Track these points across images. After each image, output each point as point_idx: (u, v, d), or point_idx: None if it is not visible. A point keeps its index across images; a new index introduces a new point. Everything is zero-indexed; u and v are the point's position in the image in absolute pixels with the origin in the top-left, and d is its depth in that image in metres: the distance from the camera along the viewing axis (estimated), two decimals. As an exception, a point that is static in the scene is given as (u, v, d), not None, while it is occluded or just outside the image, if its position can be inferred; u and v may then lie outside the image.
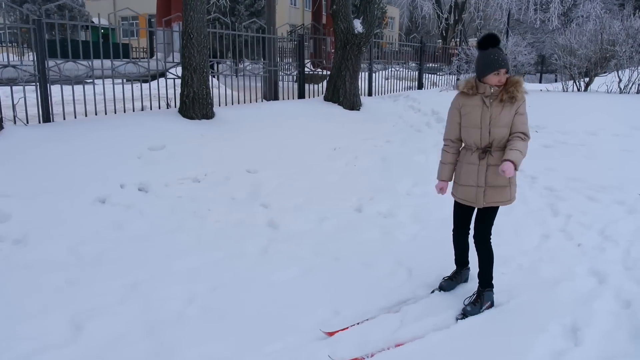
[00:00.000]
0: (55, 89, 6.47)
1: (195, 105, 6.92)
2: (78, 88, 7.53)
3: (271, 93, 9.69)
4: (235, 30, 8.33)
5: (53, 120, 6.30)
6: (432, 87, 13.28)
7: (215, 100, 8.23)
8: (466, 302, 3.11)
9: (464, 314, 3.03)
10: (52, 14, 22.04)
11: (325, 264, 3.69)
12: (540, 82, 18.65)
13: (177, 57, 13.03)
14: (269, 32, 9.22)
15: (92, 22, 7.48)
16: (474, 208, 3.18)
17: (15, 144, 5.15)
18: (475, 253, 3.17)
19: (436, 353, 2.62)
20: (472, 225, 3.23)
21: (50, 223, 4.13)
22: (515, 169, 2.86)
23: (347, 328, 2.82)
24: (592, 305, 2.97)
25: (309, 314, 2.96)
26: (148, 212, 4.59)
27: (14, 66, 6.22)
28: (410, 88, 13.14)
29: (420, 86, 13.05)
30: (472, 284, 3.34)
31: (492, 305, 3.12)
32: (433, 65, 13.73)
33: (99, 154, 5.42)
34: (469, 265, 3.45)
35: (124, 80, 7.41)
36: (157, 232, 4.22)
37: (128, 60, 7.07)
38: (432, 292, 3.30)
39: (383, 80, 11.89)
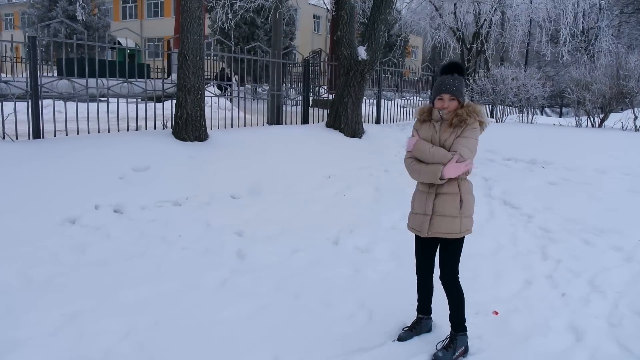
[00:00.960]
0: (55, 106, 6.48)
1: (188, 126, 6.81)
2: (74, 106, 7.52)
3: (274, 117, 9.59)
4: (238, 54, 8.27)
5: (43, 137, 6.26)
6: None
7: (215, 122, 8.16)
8: (438, 347, 2.86)
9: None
10: (78, 34, 22.63)
11: (282, 302, 3.45)
12: (560, 116, 18.22)
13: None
14: (273, 56, 9.15)
15: (92, 41, 7.48)
16: (437, 246, 2.93)
17: (-6, 160, 5.08)
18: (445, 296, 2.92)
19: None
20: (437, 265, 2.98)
21: (9, 243, 3.99)
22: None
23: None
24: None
25: (246, 359, 2.71)
26: (115, 236, 4.43)
27: (5, 82, 6.24)
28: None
29: (431, 116, 12.82)
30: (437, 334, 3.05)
31: (466, 351, 2.86)
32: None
33: (80, 173, 5.32)
34: (432, 314, 3.16)
35: (138, 99, 7.40)
36: (118, 258, 4.04)
37: (124, 80, 7.02)
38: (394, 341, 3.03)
39: (398, 108, 11.72)
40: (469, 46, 26.83)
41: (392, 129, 10.44)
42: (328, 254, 4.36)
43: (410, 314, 3.19)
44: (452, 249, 2.87)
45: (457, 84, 2.79)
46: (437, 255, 2.99)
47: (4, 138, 5.99)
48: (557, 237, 4.86)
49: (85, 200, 4.88)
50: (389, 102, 11.78)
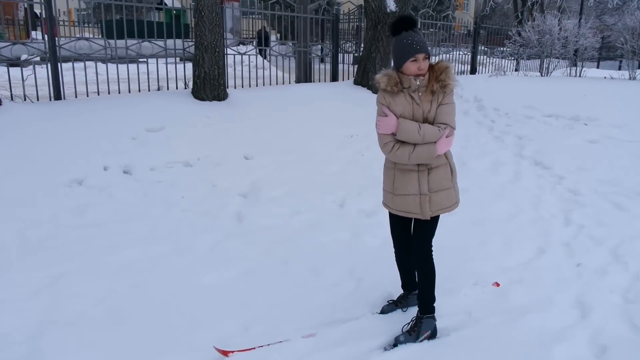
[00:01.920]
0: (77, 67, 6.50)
1: (206, 86, 6.67)
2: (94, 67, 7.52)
3: (303, 75, 9.31)
4: (262, 10, 7.98)
5: (64, 98, 6.29)
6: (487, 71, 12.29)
7: (239, 82, 8.00)
8: (404, 329, 2.62)
9: (395, 344, 2.53)
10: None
11: (269, 267, 3.30)
12: (619, 69, 16.84)
13: (228, 36, 12.94)
14: (298, 11, 8.79)
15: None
16: (411, 220, 2.66)
17: (8, 121, 5.13)
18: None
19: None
20: None
21: (14, 203, 4.02)
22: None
23: (249, 349, 2.43)
24: (552, 350, 2.37)
25: (215, 327, 2.60)
26: (118, 197, 4.39)
27: (23, 43, 6.27)
28: (462, 72, 12.26)
29: (473, 71, 12.12)
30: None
31: (433, 335, 2.58)
32: (485, 48, 12.66)
33: (94, 134, 5.30)
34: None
35: (177, 59, 7.35)
36: (115, 220, 4.00)
37: (143, 40, 6.91)
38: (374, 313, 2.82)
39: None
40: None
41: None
42: (330, 217, 4.16)
43: (400, 284, 2.97)
44: (430, 224, 2.59)
45: (423, 40, 2.40)
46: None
47: (24, 100, 6.06)
48: (585, 200, 4.45)
49: (96, 160, 4.86)
50: (437, 57, 11.21)
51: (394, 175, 2.61)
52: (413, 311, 2.71)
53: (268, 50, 9.03)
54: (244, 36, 15.71)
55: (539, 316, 2.68)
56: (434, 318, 2.62)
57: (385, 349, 2.50)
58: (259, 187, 4.79)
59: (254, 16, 14.04)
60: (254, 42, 10.24)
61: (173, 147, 5.42)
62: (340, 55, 9.57)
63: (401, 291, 2.91)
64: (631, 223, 3.93)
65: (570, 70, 10.28)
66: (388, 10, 7.98)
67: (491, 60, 12.06)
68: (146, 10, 24.33)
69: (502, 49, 11.96)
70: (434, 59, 2.52)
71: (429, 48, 2.43)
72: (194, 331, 2.57)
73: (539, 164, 5.67)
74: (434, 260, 2.64)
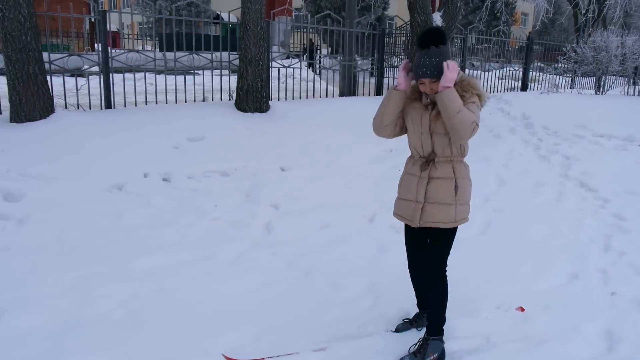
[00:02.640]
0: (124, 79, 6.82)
1: (249, 97, 6.83)
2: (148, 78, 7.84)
3: (347, 88, 9.35)
4: (308, 24, 8.10)
5: (114, 107, 6.60)
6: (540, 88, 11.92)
7: (282, 94, 8.13)
8: (410, 350, 2.55)
9: None
10: (181, 10, 23.71)
11: (290, 279, 3.31)
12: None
13: (278, 49, 13.19)
14: (345, 25, 8.85)
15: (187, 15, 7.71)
16: (428, 235, 2.60)
17: (60, 128, 5.42)
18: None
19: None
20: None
21: (55, 206, 4.23)
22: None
23: (259, 360, 2.44)
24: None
25: (228, 335, 2.63)
26: (154, 203, 4.55)
27: (78, 55, 6.63)
28: (513, 89, 11.95)
29: (524, 87, 11.79)
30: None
31: (440, 358, 2.49)
32: (540, 64, 12.30)
33: (138, 141, 5.53)
34: None
35: (228, 71, 7.64)
36: (149, 225, 4.14)
37: (191, 52, 7.16)
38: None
39: (495, 79, 10.95)
40: (583, 11, 24.29)
41: (474, 102, 9.73)
42: (358, 232, 4.13)
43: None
44: (443, 239, 2.52)
45: (436, 60, 2.32)
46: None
47: (77, 108, 6.40)
48: (630, 226, 4.21)
49: (137, 167, 5.06)
50: (487, 73, 11.00)
51: (402, 179, 2.65)
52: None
53: (315, 63, 9.15)
54: (294, 49, 15.98)
55: (561, 345, 2.54)
56: (442, 340, 2.54)
57: None
58: (291, 199, 4.83)
59: (305, 30, 14.27)
60: (303, 56, 10.41)
61: (212, 157, 5.56)
62: (392, 70, 9.57)
63: (417, 310, 2.85)
64: (678, 252, 3.69)
65: (627, 89, 9.81)
66: (434, 25, 7.90)
67: (543, 77, 11.70)
68: (204, 24, 25.25)
69: (555, 65, 11.57)
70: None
71: (438, 70, 2.31)
72: (209, 338, 2.61)
73: (584, 185, 5.43)
74: (454, 280, 2.57)
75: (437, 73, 2.32)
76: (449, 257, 2.57)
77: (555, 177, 5.77)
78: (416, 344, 2.55)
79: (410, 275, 2.77)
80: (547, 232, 4.13)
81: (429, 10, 7.95)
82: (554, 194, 5.14)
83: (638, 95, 9.55)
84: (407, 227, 2.69)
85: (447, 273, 2.56)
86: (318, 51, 14.02)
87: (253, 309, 2.93)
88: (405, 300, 2.94)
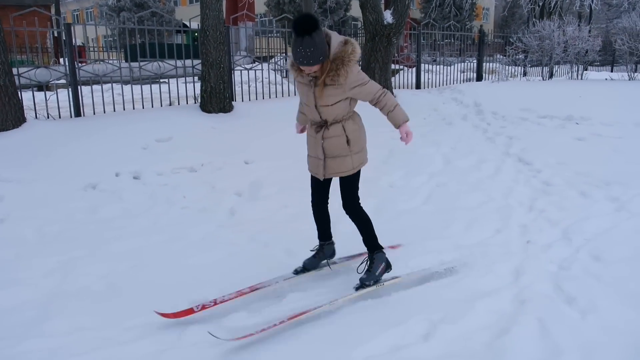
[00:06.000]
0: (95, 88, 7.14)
1: (213, 99, 7.23)
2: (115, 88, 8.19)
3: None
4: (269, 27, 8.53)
5: (83, 115, 6.93)
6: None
7: (246, 96, 8.54)
8: (359, 270, 3.04)
9: (362, 285, 2.97)
10: (145, 21, 23.90)
11: (251, 250, 3.74)
12: (612, 72, 16.81)
13: (243, 54, 13.50)
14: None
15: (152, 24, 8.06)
16: (330, 180, 3.10)
17: (32, 136, 5.75)
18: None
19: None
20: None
21: (34, 206, 4.57)
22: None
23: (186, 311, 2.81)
24: (475, 304, 2.73)
25: (194, 294, 3.05)
26: (127, 198, 4.91)
27: (46, 67, 6.94)
28: (470, 80, 12.59)
29: (479, 78, 12.44)
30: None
31: (388, 266, 3.04)
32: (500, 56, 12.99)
33: (108, 144, 5.88)
34: (333, 239, 3.35)
35: (194, 78, 8.01)
36: (123, 216, 4.51)
37: (154, 59, 7.53)
38: (295, 271, 3.22)
39: (457, 73, 11.59)
40: (540, 3, 25.20)
41: (429, 94, 10.30)
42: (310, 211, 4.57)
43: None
44: (349, 180, 2.99)
45: (310, 50, 2.55)
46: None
47: (48, 117, 6.71)
48: (555, 190, 4.76)
49: (109, 168, 5.41)
50: (450, 67, 11.62)
51: (308, 139, 3.10)
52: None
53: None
54: (260, 54, 16.41)
55: (473, 279, 3.03)
56: (383, 252, 3.06)
57: (356, 289, 2.94)
58: (254, 187, 5.25)
59: (269, 35, 14.67)
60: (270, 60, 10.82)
61: (180, 155, 5.94)
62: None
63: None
64: (590, 207, 4.24)
65: (572, 74, 10.50)
66: (385, 23, 8.42)
67: (495, 67, 12.37)
68: (170, 33, 25.49)
69: (500, 56, 12.24)
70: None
71: (313, 57, 2.60)
72: (178, 297, 3.02)
73: (522, 160, 5.98)
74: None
75: (313, 61, 2.61)
76: (359, 191, 3.09)
77: (497, 155, 6.31)
78: (362, 264, 3.03)
79: (314, 213, 3.24)
80: (482, 200, 4.64)
81: (379, 8, 8.47)
82: (494, 169, 5.67)
83: (580, 78, 10.23)
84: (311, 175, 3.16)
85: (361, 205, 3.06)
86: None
87: (218, 274, 3.34)
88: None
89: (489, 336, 2.43)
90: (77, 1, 42.93)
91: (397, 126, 2.91)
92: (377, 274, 2.99)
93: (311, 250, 3.31)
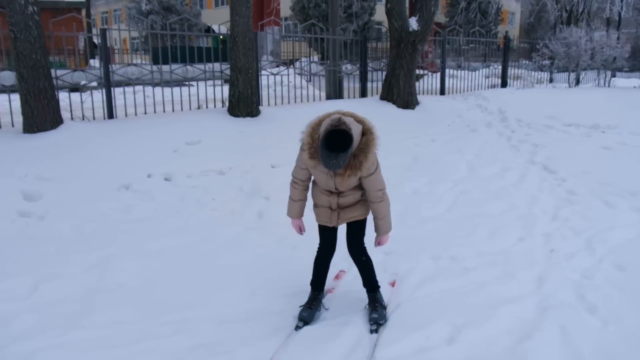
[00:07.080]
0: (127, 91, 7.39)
1: (241, 104, 7.40)
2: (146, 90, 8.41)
3: (334, 92, 9.94)
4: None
5: (116, 117, 7.17)
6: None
7: (272, 100, 8.71)
8: (369, 308, 3.03)
9: (378, 325, 2.91)
10: (173, 25, 24.36)
11: (279, 252, 3.88)
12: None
13: (269, 58, 13.72)
14: (328, 33, 9.45)
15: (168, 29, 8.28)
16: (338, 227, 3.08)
17: (69, 137, 5.99)
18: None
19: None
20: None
21: (72, 204, 4.78)
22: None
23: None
24: (498, 310, 2.81)
25: (225, 293, 3.19)
26: (159, 199, 5.10)
27: (82, 70, 7.21)
28: (495, 86, 12.57)
29: (504, 84, 12.41)
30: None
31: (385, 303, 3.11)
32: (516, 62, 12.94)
33: (140, 147, 6.09)
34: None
35: (221, 81, 8.23)
36: (155, 216, 4.69)
37: (185, 63, 7.75)
38: (297, 328, 2.97)
39: (482, 78, 11.61)
40: (567, 8, 24.92)
41: (454, 100, 10.33)
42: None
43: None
44: (361, 223, 3.01)
45: (343, 161, 2.58)
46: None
47: (83, 119, 6.97)
48: (579, 199, 4.78)
49: (141, 170, 5.61)
50: (474, 72, 11.65)
51: (314, 191, 3.09)
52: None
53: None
54: (285, 58, 16.60)
55: (496, 287, 3.11)
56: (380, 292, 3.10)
57: (372, 331, 2.88)
58: (282, 191, 5.38)
59: (294, 39, 14.86)
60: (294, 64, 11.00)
61: (208, 158, 6.12)
62: (376, 74, 10.14)
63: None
64: (614, 217, 4.26)
65: (599, 80, 10.41)
66: (410, 30, 8.50)
67: (521, 73, 12.32)
68: (196, 37, 25.93)
69: (526, 62, 12.19)
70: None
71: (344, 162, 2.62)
72: (209, 295, 3.17)
73: (546, 169, 6.00)
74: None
75: (342, 165, 2.61)
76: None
77: (521, 163, 6.35)
78: (368, 304, 3.05)
79: (319, 263, 3.16)
80: (505, 208, 4.69)
81: (405, 15, 8.56)
82: (518, 177, 5.71)
83: (608, 86, 10.15)
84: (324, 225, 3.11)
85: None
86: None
87: (247, 275, 3.48)
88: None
89: (511, 341, 2.51)
90: (106, 3, 43.85)
91: (379, 234, 2.97)
92: (385, 309, 3.02)
93: (300, 307, 3.11)
